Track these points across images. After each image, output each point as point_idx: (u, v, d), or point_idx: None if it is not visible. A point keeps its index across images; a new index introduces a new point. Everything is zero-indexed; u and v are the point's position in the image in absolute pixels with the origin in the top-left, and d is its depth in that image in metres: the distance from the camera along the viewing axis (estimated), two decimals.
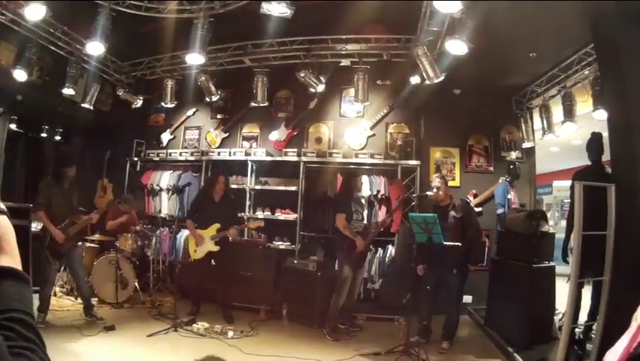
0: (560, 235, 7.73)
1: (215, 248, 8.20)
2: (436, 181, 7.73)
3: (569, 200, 15.56)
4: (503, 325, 7.66)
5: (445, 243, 6.82)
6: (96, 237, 9.35)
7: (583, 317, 6.51)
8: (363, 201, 9.33)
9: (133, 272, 9.03)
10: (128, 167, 12.03)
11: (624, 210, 5.39)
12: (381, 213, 9.86)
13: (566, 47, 8.34)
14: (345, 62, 10.05)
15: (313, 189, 10.53)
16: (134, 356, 6.42)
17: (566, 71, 8.83)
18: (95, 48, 8.39)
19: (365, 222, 8.39)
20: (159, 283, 10.21)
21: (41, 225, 7.55)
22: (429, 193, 8.01)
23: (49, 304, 7.55)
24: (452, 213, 7.32)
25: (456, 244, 6.99)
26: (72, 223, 7.48)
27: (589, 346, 6.33)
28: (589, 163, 7.04)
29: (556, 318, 7.67)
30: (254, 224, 8.70)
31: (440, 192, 7.58)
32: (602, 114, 7.60)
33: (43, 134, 12.33)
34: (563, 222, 14.90)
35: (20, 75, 8.99)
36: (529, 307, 7.07)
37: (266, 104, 10.46)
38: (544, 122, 9.75)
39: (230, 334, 7.49)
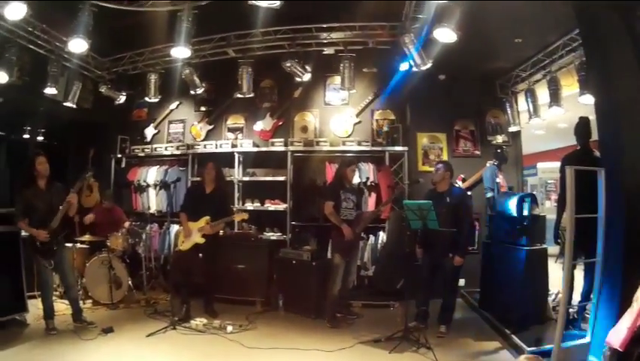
0: (547, 216, 7.92)
1: (201, 240, 8.12)
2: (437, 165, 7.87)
3: (552, 181, 15.62)
4: (498, 307, 7.72)
5: (440, 229, 6.86)
6: (86, 237, 9.24)
7: (576, 297, 6.60)
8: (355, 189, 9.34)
9: (126, 271, 8.98)
10: (113, 164, 11.96)
11: (612, 192, 5.44)
12: (372, 200, 9.92)
13: (550, 33, 8.42)
14: (327, 50, 10.03)
15: (302, 179, 10.53)
16: (136, 357, 6.36)
17: (550, 56, 8.93)
18: (78, 45, 8.27)
19: (357, 210, 8.36)
20: (152, 281, 10.18)
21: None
22: (421, 180, 8.13)
23: (54, 309, 7.41)
24: (447, 200, 7.35)
25: (452, 230, 7.05)
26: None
27: (583, 325, 6.45)
28: (572, 144, 7.22)
29: (549, 299, 7.76)
30: (239, 216, 8.66)
31: (436, 175, 7.67)
32: (589, 99, 7.68)
33: (26, 136, 12.19)
34: (547, 203, 15.04)
35: (1, 77, 8.87)
36: (524, 289, 7.17)
37: (251, 95, 10.47)
38: (530, 106, 9.84)
39: (230, 329, 7.46)
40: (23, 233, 7.41)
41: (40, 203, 7.18)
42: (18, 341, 6.69)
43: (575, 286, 6.46)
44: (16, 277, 7.59)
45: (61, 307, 8.04)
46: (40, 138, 12.40)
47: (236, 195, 10.73)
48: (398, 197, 8.82)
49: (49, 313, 7.27)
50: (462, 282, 8.81)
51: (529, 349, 6.00)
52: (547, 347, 5.80)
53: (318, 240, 9.50)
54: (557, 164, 7.67)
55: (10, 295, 7.43)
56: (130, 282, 9.11)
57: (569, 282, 5.80)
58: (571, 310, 6.53)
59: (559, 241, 7.22)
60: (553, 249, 7.85)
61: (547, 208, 14.59)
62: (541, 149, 16.72)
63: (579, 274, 6.53)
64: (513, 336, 6.63)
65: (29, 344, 6.61)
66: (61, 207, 7.23)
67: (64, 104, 10.52)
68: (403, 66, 9.32)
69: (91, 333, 7.16)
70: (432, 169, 8.25)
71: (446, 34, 7.18)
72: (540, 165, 16.97)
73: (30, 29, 9.08)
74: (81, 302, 8.12)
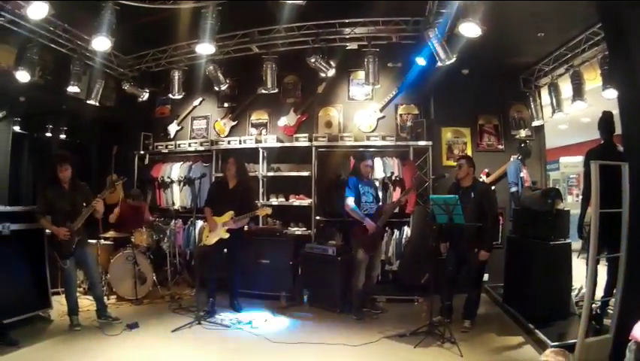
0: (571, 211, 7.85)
1: (226, 235, 8.15)
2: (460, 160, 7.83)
3: (574, 176, 15.51)
4: (522, 302, 7.69)
5: (466, 223, 6.85)
6: (110, 234, 9.31)
7: (598, 292, 6.56)
8: (377, 183, 9.44)
9: (150, 267, 9.02)
10: (136, 160, 12.06)
11: (636, 186, 5.41)
12: (396, 195, 9.86)
13: (573, 27, 8.40)
14: (351, 46, 10.03)
15: (326, 173, 10.51)
16: (162, 353, 6.40)
17: (573, 50, 8.89)
18: (101, 44, 8.31)
19: (377, 204, 8.38)
20: (177, 276, 10.27)
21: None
22: (446, 174, 8.13)
23: (78, 305, 7.46)
24: (471, 195, 7.34)
25: (477, 224, 7.04)
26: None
27: (606, 321, 6.40)
28: (594, 138, 7.20)
29: (572, 294, 7.74)
30: (262, 211, 8.68)
31: (460, 171, 7.62)
32: (612, 93, 7.64)
33: (48, 134, 12.30)
34: (569, 198, 14.94)
35: (23, 76, 8.91)
36: (548, 284, 7.16)
37: (276, 90, 10.48)
38: (554, 100, 9.78)
39: (255, 323, 7.51)
40: (47, 230, 7.47)
41: (64, 203, 7.22)
42: (42, 337, 6.75)
43: (598, 281, 6.41)
44: (41, 274, 7.63)
45: (86, 303, 8.10)
46: (62, 136, 12.49)
47: (261, 190, 10.77)
48: (417, 186, 8.85)
49: (73, 309, 7.32)
50: (486, 277, 8.79)
51: (552, 344, 5.99)
52: (571, 341, 5.80)
53: (343, 235, 9.47)
54: (580, 158, 7.64)
55: (34, 292, 7.48)
56: (154, 278, 9.15)
57: (593, 277, 5.77)
58: (593, 305, 6.49)
59: (583, 235, 7.20)
60: (575, 244, 7.82)
61: (570, 203, 14.51)
62: (563, 143, 16.62)
63: (602, 270, 6.47)
64: (537, 331, 6.63)
65: (53, 340, 6.67)
66: (84, 211, 7.29)
67: (87, 102, 10.60)
68: (420, 60, 9.36)
69: (116, 329, 7.21)
70: (456, 164, 8.21)
71: (470, 29, 7.17)
72: (562, 160, 16.89)
73: (51, 29, 9.16)
74: (105, 298, 8.18)
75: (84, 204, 7.35)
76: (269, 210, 8.62)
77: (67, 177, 7.29)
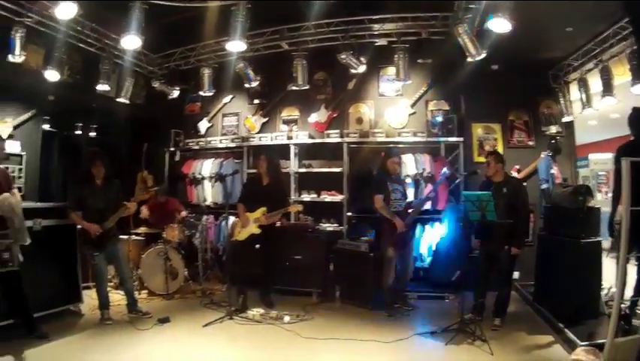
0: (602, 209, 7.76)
1: (257, 231, 8.20)
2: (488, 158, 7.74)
3: (603, 173, 15.30)
4: (552, 300, 7.63)
5: (497, 220, 6.81)
6: (141, 230, 9.40)
7: (628, 292, 6.50)
8: (408, 180, 9.51)
9: (182, 262, 9.09)
10: (167, 157, 12.18)
11: None
12: (428, 191, 9.72)
13: (601, 21, 8.33)
14: (380, 42, 9.97)
15: (358, 170, 10.48)
16: (192, 347, 6.45)
17: (601, 45, 8.83)
18: (131, 42, 8.37)
19: (405, 200, 8.36)
20: (208, 272, 10.32)
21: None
22: (478, 171, 8.10)
23: (109, 299, 7.53)
24: (504, 190, 7.28)
25: (508, 221, 6.97)
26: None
27: (635, 321, 6.31)
28: (623, 134, 7.08)
29: (602, 293, 7.66)
30: (293, 208, 8.68)
31: (489, 168, 7.56)
32: None
33: (78, 132, 12.49)
34: (598, 196, 14.78)
35: (52, 75, 9.05)
36: (578, 283, 7.06)
37: (307, 87, 10.46)
38: (583, 96, 9.71)
39: (287, 319, 7.54)
40: (78, 225, 7.55)
41: (97, 200, 7.30)
42: (73, 331, 6.86)
43: (628, 281, 6.35)
44: (71, 269, 7.74)
45: (117, 297, 8.18)
46: (92, 134, 12.68)
47: (293, 186, 10.78)
48: (449, 176, 8.93)
49: (104, 303, 7.41)
50: (516, 275, 8.75)
51: (581, 343, 5.93)
52: (600, 341, 5.74)
53: (375, 231, 9.40)
54: (609, 155, 7.52)
55: (65, 286, 7.59)
56: (186, 273, 9.24)
57: (623, 276, 5.72)
58: (622, 305, 6.44)
59: (614, 234, 7.13)
60: (604, 242, 7.74)
61: (599, 201, 14.35)
62: (593, 140, 16.45)
63: (632, 270, 6.41)
64: (566, 330, 6.58)
65: (84, 334, 6.78)
66: (118, 211, 7.38)
67: (117, 100, 10.73)
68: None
69: (146, 323, 7.30)
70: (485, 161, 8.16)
71: (500, 25, 7.16)
72: (592, 157, 16.68)
73: (79, 28, 9.28)
74: (136, 293, 8.30)
75: (115, 201, 7.46)
76: (300, 207, 8.66)
77: (100, 173, 7.37)
